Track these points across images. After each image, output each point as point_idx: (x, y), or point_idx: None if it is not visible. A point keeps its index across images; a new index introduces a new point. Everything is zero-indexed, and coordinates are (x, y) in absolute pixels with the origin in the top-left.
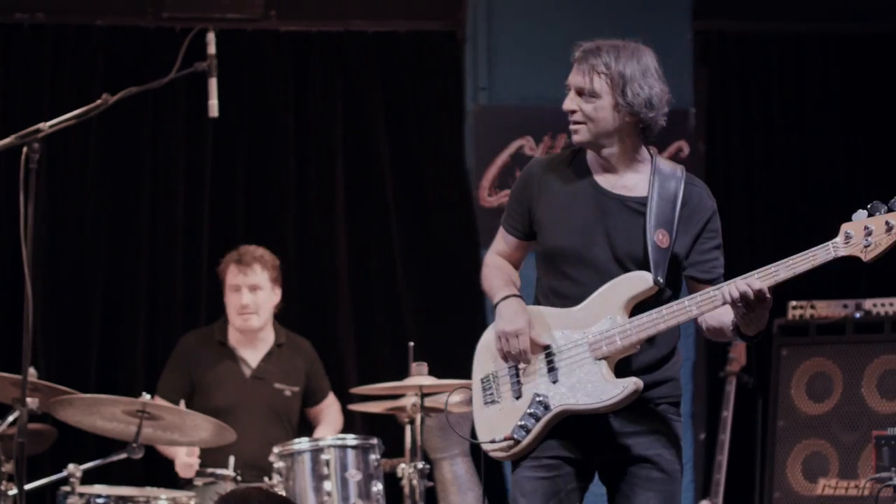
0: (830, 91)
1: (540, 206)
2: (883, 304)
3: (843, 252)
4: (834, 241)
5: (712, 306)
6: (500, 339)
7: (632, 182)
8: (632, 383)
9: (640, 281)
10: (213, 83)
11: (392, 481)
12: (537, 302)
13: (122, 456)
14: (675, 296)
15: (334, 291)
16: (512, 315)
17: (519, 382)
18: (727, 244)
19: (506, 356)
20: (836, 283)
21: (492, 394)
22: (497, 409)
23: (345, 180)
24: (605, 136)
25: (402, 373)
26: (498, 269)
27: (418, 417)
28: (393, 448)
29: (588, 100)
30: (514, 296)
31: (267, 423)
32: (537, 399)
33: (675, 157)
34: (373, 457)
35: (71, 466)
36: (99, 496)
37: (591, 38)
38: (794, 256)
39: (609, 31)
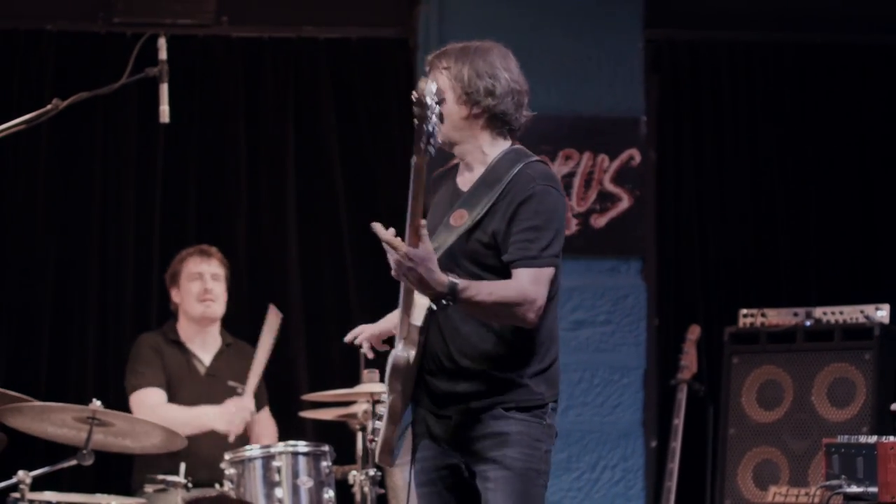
0: (781, 99)
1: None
2: (833, 313)
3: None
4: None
5: None
6: None
7: None
8: (390, 357)
9: None
10: (164, 89)
11: (343, 488)
12: None
13: (73, 462)
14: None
15: (286, 297)
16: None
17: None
18: (678, 254)
19: None
20: (786, 291)
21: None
22: (383, 421)
23: (296, 187)
24: (455, 131)
25: (354, 379)
26: None
27: (370, 424)
28: (344, 455)
29: None
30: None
31: None
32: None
33: (626, 165)
34: (324, 464)
35: (20, 473)
36: (49, 503)
37: (542, 46)
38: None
39: (560, 40)
